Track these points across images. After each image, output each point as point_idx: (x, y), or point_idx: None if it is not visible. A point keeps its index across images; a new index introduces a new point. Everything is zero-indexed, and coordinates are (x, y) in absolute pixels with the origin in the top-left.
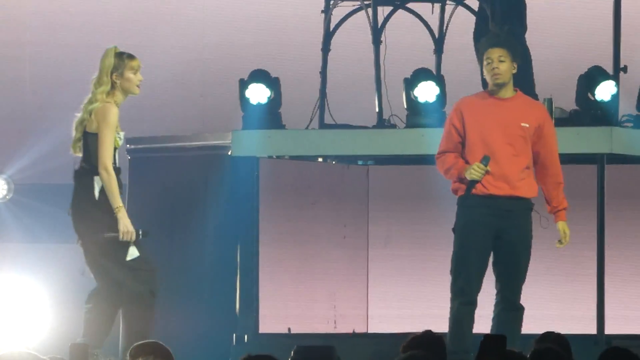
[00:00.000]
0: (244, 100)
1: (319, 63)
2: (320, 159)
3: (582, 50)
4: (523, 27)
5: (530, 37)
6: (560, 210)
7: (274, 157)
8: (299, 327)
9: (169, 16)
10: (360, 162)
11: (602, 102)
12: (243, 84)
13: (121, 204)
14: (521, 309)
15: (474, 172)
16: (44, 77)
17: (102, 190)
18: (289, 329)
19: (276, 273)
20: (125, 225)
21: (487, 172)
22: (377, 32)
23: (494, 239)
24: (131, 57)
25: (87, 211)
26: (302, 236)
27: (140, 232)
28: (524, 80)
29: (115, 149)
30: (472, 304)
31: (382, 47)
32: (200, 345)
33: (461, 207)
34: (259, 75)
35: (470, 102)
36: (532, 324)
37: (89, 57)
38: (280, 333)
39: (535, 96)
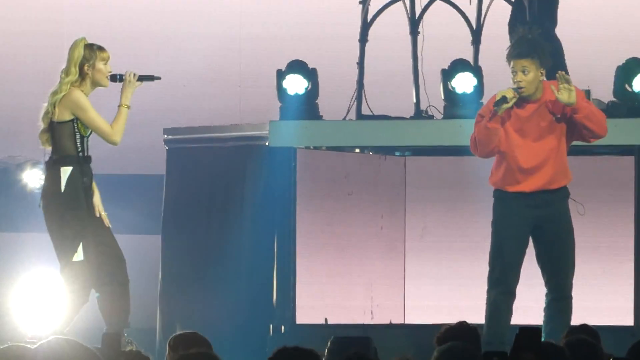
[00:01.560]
0: (281, 90)
1: (356, 54)
2: (357, 150)
3: (620, 42)
4: (553, 23)
5: (568, 29)
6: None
7: (311, 147)
8: (336, 318)
9: (207, 7)
10: (397, 153)
11: (639, 94)
12: (280, 75)
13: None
14: (570, 298)
15: (506, 91)
16: None
17: (68, 182)
18: (326, 320)
19: (313, 264)
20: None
21: (517, 94)
22: (414, 23)
23: (532, 229)
24: (101, 48)
25: (54, 205)
26: (339, 227)
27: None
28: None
29: (83, 137)
30: (509, 294)
31: (419, 38)
32: (238, 335)
33: (497, 199)
34: (297, 66)
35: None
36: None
37: (124, 49)
38: (317, 324)
39: None
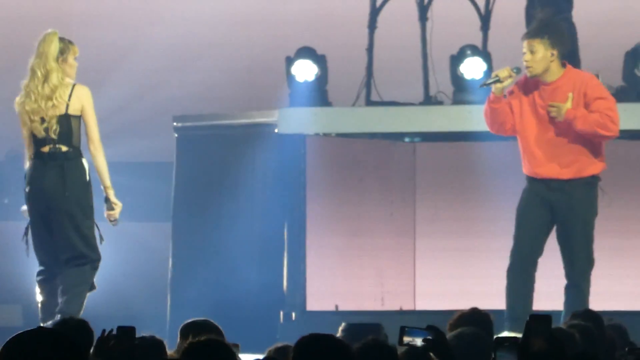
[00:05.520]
0: (290, 77)
1: (365, 40)
2: (367, 137)
3: (629, 27)
4: (569, 4)
5: (578, 14)
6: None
7: (321, 134)
8: (347, 305)
9: None
10: (407, 139)
11: None
12: (289, 61)
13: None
14: (577, 287)
15: (500, 71)
16: (92, 57)
17: (90, 173)
18: (336, 306)
19: (323, 250)
20: (117, 201)
21: (514, 73)
22: (423, 8)
23: (551, 212)
24: (72, 42)
25: (84, 194)
26: (349, 213)
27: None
28: (570, 57)
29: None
30: (519, 272)
31: (428, 23)
32: (248, 322)
33: (527, 181)
34: (306, 53)
35: (522, 82)
36: None
37: (135, 37)
38: (327, 310)
39: None
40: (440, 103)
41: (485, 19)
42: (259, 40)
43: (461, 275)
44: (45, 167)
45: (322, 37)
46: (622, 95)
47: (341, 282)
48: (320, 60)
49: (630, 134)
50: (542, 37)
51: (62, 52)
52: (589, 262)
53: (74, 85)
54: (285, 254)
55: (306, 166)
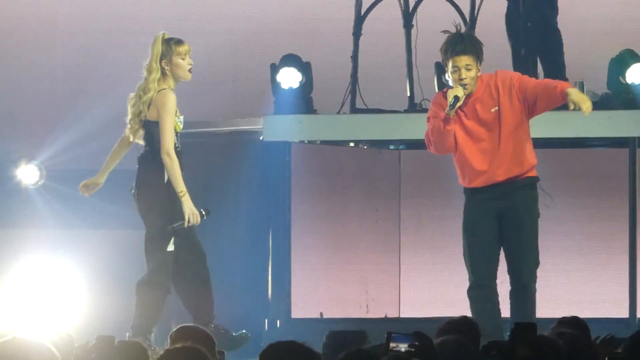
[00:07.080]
0: (275, 85)
1: (350, 48)
2: (351, 144)
3: (614, 34)
4: (554, 10)
5: (562, 21)
6: (564, 88)
7: (306, 142)
8: (331, 312)
9: (200, 1)
10: (391, 147)
11: (633, 85)
12: (274, 69)
13: (185, 189)
14: (528, 288)
15: (457, 91)
16: (75, 63)
17: None
18: (321, 314)
19: (308, 258)
20: (191, 208)
21: (465, 91)
22: (408, 16)
23: (498, 220)
24: (179, 42)
25: (156, 194)
26: (334, 221)
27: (204, 212)
28: (555, 64)
29: (176, 132)
30: (482, 288)
31: (413, 31)
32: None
33: (465, 194)
34: (291, 60)
35: (443, 101)
36: (565, 308)
37: (119, 42)
38: (312, 318)
39: (565, 79)
40: (425, 110)
41: (470, 27)
42: (244, 48)
43: (446, 282)
44: (137, 169)
45: (306, 44)
46: (607, 102)
47: (326, 289)
48: (305, 67)
49: (615, 141)
50: (472, 54)
51: (165, 55)
52: (536, 263)
53: (158, 92)
54: (270, 262)
55: (291, 174)
